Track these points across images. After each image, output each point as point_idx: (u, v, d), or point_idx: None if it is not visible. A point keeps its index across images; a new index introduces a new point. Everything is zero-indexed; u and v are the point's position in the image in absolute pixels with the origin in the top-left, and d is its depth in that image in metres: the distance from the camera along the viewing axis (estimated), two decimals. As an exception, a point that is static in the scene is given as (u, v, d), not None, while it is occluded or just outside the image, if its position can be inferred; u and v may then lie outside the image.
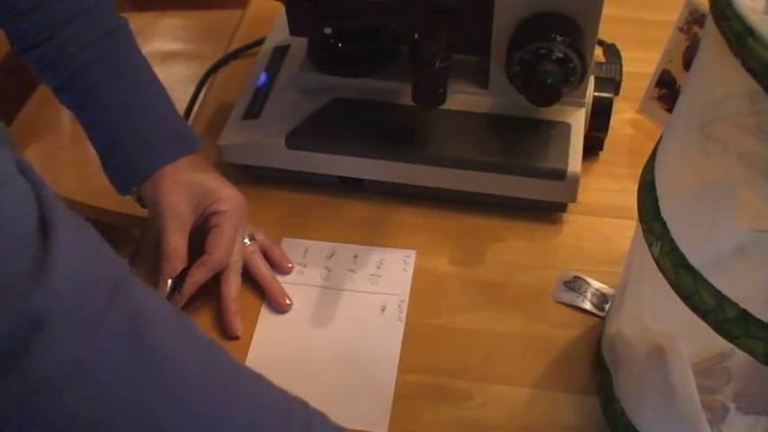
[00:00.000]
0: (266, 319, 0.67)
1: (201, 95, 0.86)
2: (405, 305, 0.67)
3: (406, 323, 0.67)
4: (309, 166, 0.74)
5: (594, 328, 0.66)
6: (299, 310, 0.68)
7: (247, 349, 0.65)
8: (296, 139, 0.72)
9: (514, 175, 0.70)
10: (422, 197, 0.74)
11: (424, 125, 0.73)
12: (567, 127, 0.72)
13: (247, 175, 0.77)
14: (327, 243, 0.72)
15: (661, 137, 0.53)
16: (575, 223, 0.74)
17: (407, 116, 0.74)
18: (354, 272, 0.70)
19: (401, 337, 0.65)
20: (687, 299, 0.45)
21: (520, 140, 0.71)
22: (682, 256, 0.46)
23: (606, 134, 0.76)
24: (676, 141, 0.50)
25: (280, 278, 0.69)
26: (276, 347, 0.65)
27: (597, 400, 0.62)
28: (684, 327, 0.53)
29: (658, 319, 0.54)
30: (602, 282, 0.69)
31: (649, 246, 0.49)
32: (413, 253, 0.71)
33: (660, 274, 0.48)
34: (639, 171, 0.79)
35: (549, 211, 0.74)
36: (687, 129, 0.49)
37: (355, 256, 0.71)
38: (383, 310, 0.67)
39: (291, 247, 0.72)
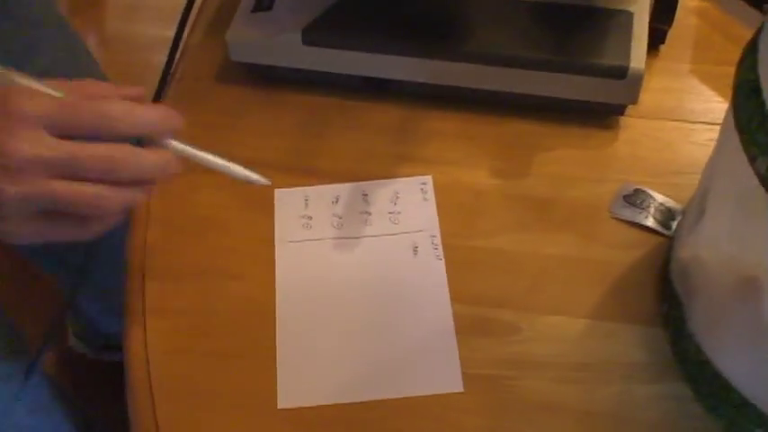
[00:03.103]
0: (286, 296, 0.57)
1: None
2: (438, 240, 0.59)
3: (442, 245, 0.59)
4: (329, 65, 0.64)
5: (659, 248, 0.58)
6: (321, 272, 0.58)
7: (274, 334, 0.56)
8: (314, 33, 0.63)
9: (567, 74, 0.61)
10: (458, 100, 0.65)
11: (461, 16, 0.63)
12: (629, 16, 0.62)
13: (259, 76, 0.68)
14: (329, 186, 0.62)
15: (762, 25, 0.44)
16: (632, 128, 0.65)
17: (442, 6, 0.64)
18: (369, 213, 0.60)
19: (445, 279, 0.57)
20: (804, 226, 0.37)
21: (573, 33, 0.62)
22: (800, 175, 0.37)
23: (671, 25, 0.66)
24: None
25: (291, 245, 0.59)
26: (308, 325, 0.56)
27: (663, 332, 0.54)
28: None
29: (749, 247, 0.46)
30: (666, 195, 0.60)
31: (752, 160, 0.40)
32: (429, 179, 0.62)
33: (763, 194, 0.40)
34: (706, 67, 0.70)
35: (603, 115, 0.64)
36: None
37: (365, 195, 0.61)
38: (415, 251, 0.58)
39: (288, 199, 0.61)
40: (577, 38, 0.61)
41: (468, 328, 0.55)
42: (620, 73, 0.60)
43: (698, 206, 0.52)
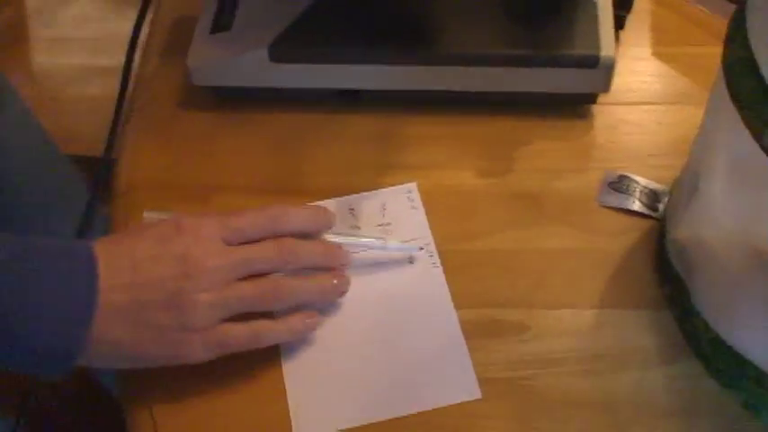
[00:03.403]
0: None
1: (150, 15, 0.73)
2: (433, 247, 0.58)
3: (437, 251, 0.58)
4: (300, 80, 0.63)
5: (652, 231, 0.58)
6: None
7: (280, 366, 0.54)
8: (281, 49, 0.61)
9: (540, 68, 0.61)
10: (433, 104, 0.65)
11: (430, 20, 0.63)
12: (593, 5, 0.62)
13: (225, 99, 0.66)
14: (314, 204, 0.60)
15: (746, 4, 0.44)
16: (605, 115, 0.65)
17: (410, 11, 0.63)
18: (359, 227, 0.59)
19: (446, 286, 0.56)
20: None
21: (541, 26, 0.62)
22: (816, 146, 0.37)
23: (630, 10, 0.67)
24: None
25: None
26: (312, 351, 0.54)
27: (669, 314, 0.55)
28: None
29: (756, 221, 0.46)
30: (648, 177, 0.61)
31: (757, 136, 0.41)
32: (414, 186, 0.61)
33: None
34: (666, 48, 0.71)
35: (577, 105, 0.65)
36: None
37: (351, 209, 0.60)
38: (411, 260, 0.58)
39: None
40: (545, 31, 0.61)
41: (477, 333, 0.54)
42: (593, 62, 0.60)
43: (689, 185, 0.53)
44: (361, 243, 0.57)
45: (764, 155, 0.41)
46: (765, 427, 0.50)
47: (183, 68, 0.66)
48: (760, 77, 0.41)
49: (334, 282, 0.55)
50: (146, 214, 0.54)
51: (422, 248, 0.58)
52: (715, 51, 0.69)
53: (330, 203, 0.60)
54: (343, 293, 0.55)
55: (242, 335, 0.51)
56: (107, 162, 0.61)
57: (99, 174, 0.60)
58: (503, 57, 0.61)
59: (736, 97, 0.43)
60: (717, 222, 0.50)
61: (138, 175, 0.63)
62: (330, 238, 0.56)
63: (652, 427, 0.51)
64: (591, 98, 0.64)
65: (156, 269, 0.48)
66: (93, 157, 0.65)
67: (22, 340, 0.44)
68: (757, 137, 0.41)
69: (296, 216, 0.54)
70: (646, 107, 0.66)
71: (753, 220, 0.47)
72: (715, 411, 0.51)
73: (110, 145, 0.61)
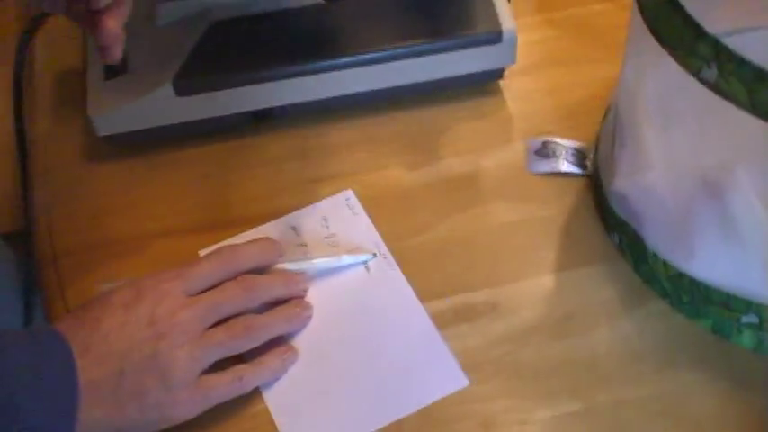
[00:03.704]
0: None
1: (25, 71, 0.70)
2: (384, 249, 0.57)
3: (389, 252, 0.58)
4: (210, 110, 0.61)
5: (587, 188, 0.60)
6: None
7: (262, 397, 0.52)
8: (186, 82, 0.59)
9: (445, 53, 0.62)
10: (348, 108, 0.64)
11: (329, 26, 0.62)
12: (483, -16, 0.64)
13: (135, 144, 0.63)
14: (254, 230, 0.59)
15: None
16: (514, 87, 0.67)
17: (307, 21, 0.62)
18: (305, 245, 0.58)
19: (407, 284, 0.56)
20: (773, 115, 0.40)
21: (437, 12, 0.62)
22: (757, 69, 0.39)
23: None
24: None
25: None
26: (292, 376, 0.53)
27: (624, 262, 0.56)
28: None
29: (702, 154, 0.48)
30: (569, 138, 0.63)
31: (696, 72, 0.42)
32: (350, 193, 0.61)
33: (717, 101, 0.42)
34: (550, 14, 0.73)
35: (486, 82, 0.66)
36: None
37: (293, 228, 0.59)
38: (367, 267, 0.57)
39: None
40: (445, 17, 0.62)
41: (450, 322, 0.54)
42: (496, 38, 0.61)
43: (618, 136, 0.55)
44: (315, 266, 0.56)
45: (701, 86, 0.42)
46: (735, 346, 0.53)
47: (81, 122, 0.63)
48: (686, 16, 0.43)
49: (298, 309, 0.54)
50: (103, 287, 0.51)
51: (375, 255, 0.57)
52: (598, 9, 0.73)
53: (270, 227, 0.59)
54: (308, 319, 0.55)
55: (225, 383, 0.49)
56: (29, 235, 0.57)
57: (30, 248, 0.56)
58: (407, 50, 0.61)
59: (665, 41, 0.44)
60: (655, 164, 0.52)
61: (61, 242, 0.59)
62: (283, 267, 0.55)
63: (635, 371, 0.52)
64: (498, 74, 0.65)
65: (127, 336, 0.46)
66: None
67: None
68: (695, 73, 0.42)
69: (247, 253, 0.54)
70: (549, 72, 0.68)
71: (694, 151, 0.49)
72: (689, 342, 0.53)
73: (28, 216, 0.58)
